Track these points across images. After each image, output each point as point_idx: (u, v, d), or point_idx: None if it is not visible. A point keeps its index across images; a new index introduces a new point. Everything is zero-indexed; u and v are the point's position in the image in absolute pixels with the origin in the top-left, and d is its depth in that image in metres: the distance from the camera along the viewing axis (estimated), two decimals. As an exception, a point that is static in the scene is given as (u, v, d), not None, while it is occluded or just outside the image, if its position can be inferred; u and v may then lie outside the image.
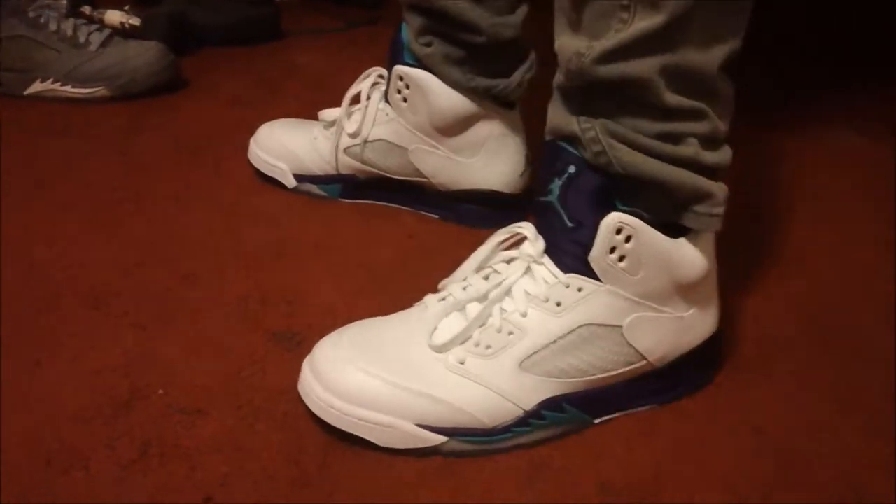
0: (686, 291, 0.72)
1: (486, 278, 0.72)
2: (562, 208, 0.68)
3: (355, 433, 0.68)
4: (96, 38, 1.32)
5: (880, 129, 1.29)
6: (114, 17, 1.47)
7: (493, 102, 0.95)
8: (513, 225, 0.74)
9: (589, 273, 0.69)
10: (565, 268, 0.69)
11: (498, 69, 0.93)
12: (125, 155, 1.14)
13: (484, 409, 0.69)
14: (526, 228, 0.72)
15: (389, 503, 0.65)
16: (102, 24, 1.39)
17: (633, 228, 0.67)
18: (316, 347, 0.72)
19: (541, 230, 0.71)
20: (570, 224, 0.68)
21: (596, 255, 0.68)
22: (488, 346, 0.69)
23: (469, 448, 0.69)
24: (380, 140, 0.99)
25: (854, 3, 1.76)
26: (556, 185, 0.69)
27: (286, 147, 1.06)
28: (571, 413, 0.71)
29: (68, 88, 1.29)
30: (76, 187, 1.05)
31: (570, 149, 0.68)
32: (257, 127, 1.11)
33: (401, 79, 0.95)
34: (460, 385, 0.68)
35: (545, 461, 0.69)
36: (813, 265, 0.96)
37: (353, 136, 1.00)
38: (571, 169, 0.68)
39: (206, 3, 1.56)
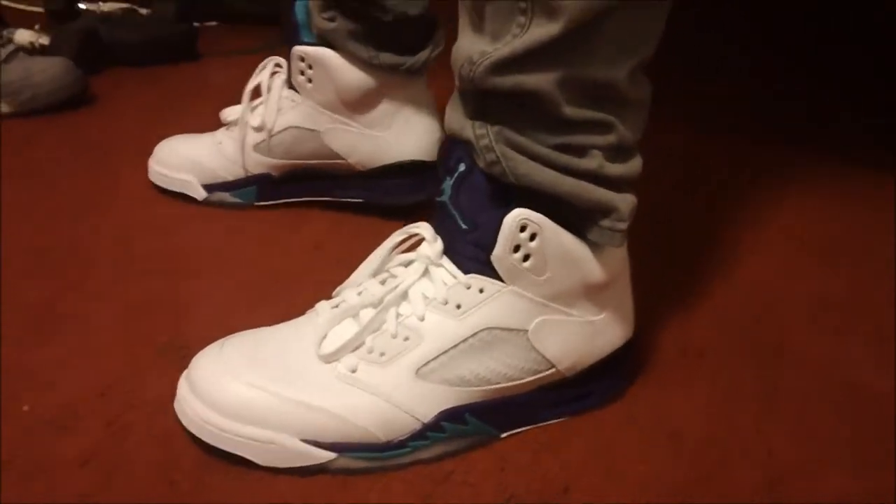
0: (596, 294, 0.67)
1: (383, 283, 0.66)
2: (455, 209, 0.64)
3: (235, 452, 0.62)
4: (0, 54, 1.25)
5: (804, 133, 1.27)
6: (24, 36, 1.40)
7: (400, 75, 0.91)
8: (410, 226, 0.68)
9: (491, 274, 0.63)
10: (464, 269, 0.64)
11: (404, 46, 0.90)
12: (18, 167, 1.07)
13: (377, 422, 0.62)
14: (423, 229, 0.67)
15: (269, 522, 0.58)
16: (19, 50, 1.33)
17: (538, 226, 0.62)
18: (194, 360, 0.65)
19: (438, 230, 0.66)
20: (464, 225, 0.63)
21: (499, 254, 0.62)
22: (382, 353, 0.63)
23: (361, 465, 0.63)
24: (289, 128, 0.94)
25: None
26: (448, 184, 0.64)
27: (189, 158, 1.00)
28: (475, 425, 0.65)
29: (-32, 104, 1.23)
30: (-40, 200, 0.98)
31: (462, 146, 0.63)
32: (161, 140, 1.05)
33: (302, 59, 0.91)
34: (351, 395, 0.62)
35: (446, 476, 0.63)
36: (736, 271, 0.92)
37: (260, 129, 0.95)
38: (462, 167, 0.63)
39: (119, 22, 1.51)
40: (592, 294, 0.67)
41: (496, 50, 0.58)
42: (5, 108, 1.22)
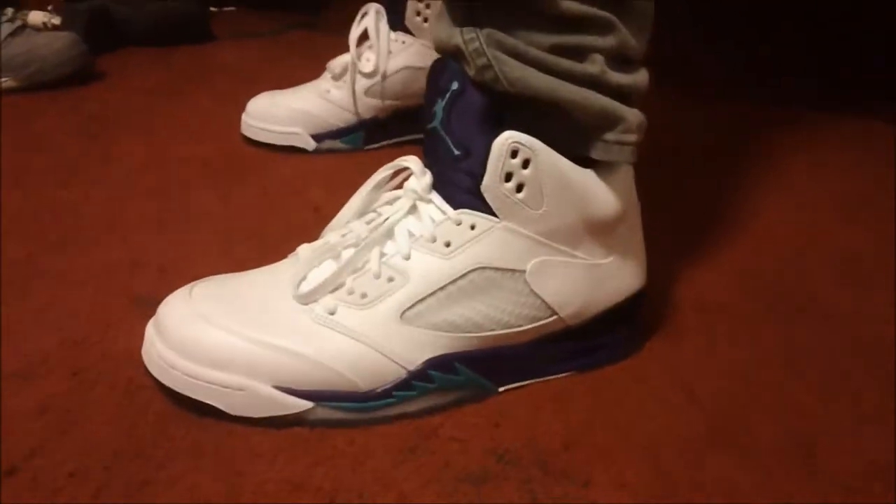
0: (602, 233, 0.61)
1: (369, 223, 0.61)
2: (447, 134, 0.58)
3: (205, 400, 0.56)
4: (5, 29, 1.23)
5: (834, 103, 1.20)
6: (36, 17, 1.38)
7: None
8: (397, 160, 0.63)
9: (483, 208, 0.58)
10: (455, 203, 0.58)
11: None
12: (16, 138, 1.04)
13: (358, 369, 0.57)
14: (411, 162, 0.61)
15: (234, 475, 0.53)
16: (26, 26, 1.31)
17: (531, 150, 0.56)
18: (162, 304, 0.60)
19: (428, 163, 0.61)
20: (456, 151, 0.58)
21: (489, 184, 0.57)
22: (364, 295, 0.58)
23: (341, 416, 0.57)
24: (402, 69, 0.98)
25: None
26: (440, 106, 0.58)
27: (296, 109, 1.01)
28: (467, 376, 0.59)
29: (-28, 79, 1.20)
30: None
31: (454, 64, 0.58)
32: (166, 115, 1.04)
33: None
34: (329, 339, 0.57)
35: (433, 430, 0.57)
36: (761, 230, 0.86)
37: (372, 74, 0.98)
38: (454, 86, 0.58)
39: (133, 2, 1.48)
40: (597, 233, 0.61)
41: None
42: (9, 83, 1.20)
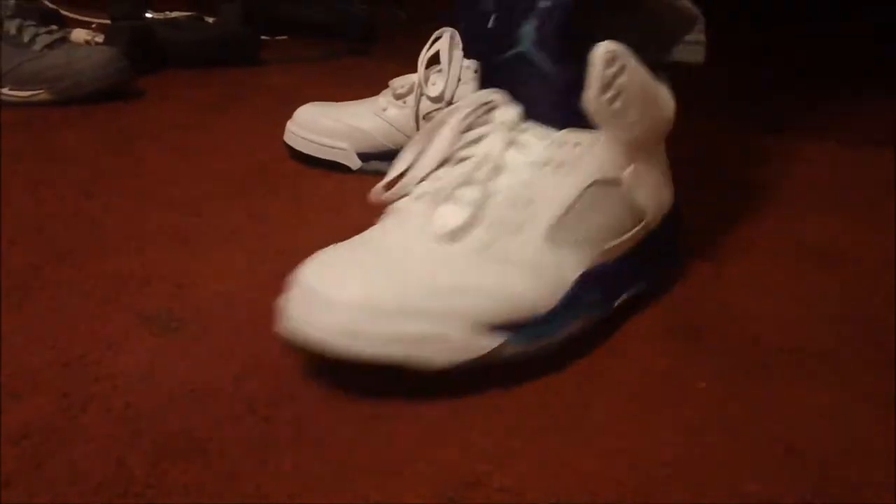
0: (659, 139, 0.64)
1: (457, 164, 0.58)
2: (539, 53, 0.56)
3: (395, 354, 0.51)
4: (43, 40, 1.18)
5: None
6: (79, 35, 1.35)
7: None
8: (468, 98, 0.59)
9: (581, 123, 0.58)
10: (555, 124, 0.58)
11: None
12: (41, 148, 0.97)
13: (531, 292, 0.55)
14: (492, 94, 0.58)
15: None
16: (66, 40, 1.26)
17: (625, 58, 0.56)
18: (303, 272, 0.54)
19: (513, 92, 0.58)
20: (551, 70, 0.57)
21: (592, 96, 0.56)
22: (509, 223, 0.56)
23: (529, 347, 0.55)
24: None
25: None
26: (528, 28, 0.56)
27: (349, 124, 0.94)
28: (595, 294, 0.59)
29: (6, 90, 1.15)
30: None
31: None
32: (204, 131, 0.97)
33: None
34: (496, 271, 0.55)
35: (478, 479, 0.48)
36: (851, 263, 0.75)
37: (437, 99, 0.91)
38: (544, 3, 0.56)
39: (178, 24, 1.43)
40: (661, 139, 0.64)
41: None
42: (43, 96, 1.14)
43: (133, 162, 0.94)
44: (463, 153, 0.58)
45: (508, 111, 0.58)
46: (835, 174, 0.98)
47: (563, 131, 0.57)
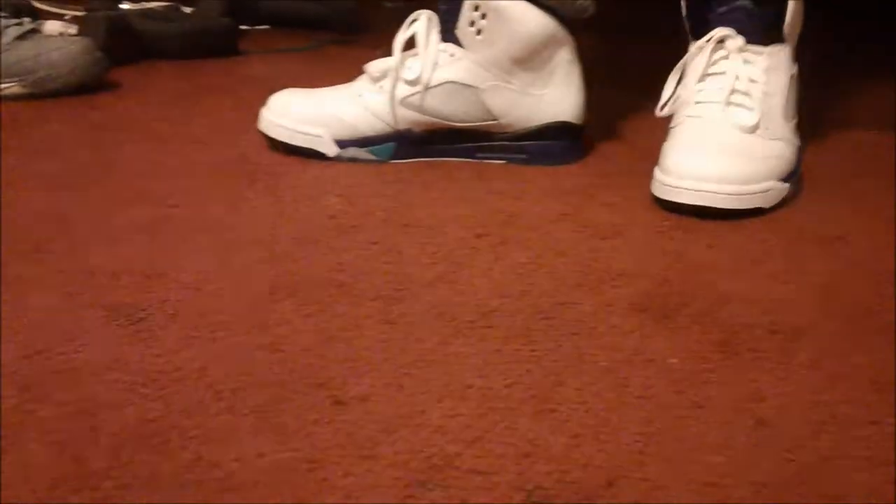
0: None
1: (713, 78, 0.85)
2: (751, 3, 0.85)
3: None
4: (13, 32, 1.15)
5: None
6: (53, 27, 1.31)
7: (566, 26, 0.90)
8: (709, 35, 0.85)
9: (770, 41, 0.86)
10: (760, 43, 0.85)
11: None
12: (13, 144, 0.96)
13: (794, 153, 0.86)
14: (722, 31, 0.84)
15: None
16: (38, 31, 1.24)
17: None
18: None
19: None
20: (758, 11, 0.85)
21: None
22: (775, 114, 0.84)
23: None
24: (446, 83, 0.89)
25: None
26: None
27: (324, 110, 0.91)
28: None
29: (-25, 85, 1.13)
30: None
31: None
32: (181, 122, 0.96)
33: (476, 9, 0.88)
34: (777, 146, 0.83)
35: (449, 460, 0.47)
36: (846, 249, 0.74)
37: (414, 83, 0.89)
38: None
39: (156, 14, 1.42)
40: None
41: None
42: (15, 89, 1.12)
43: (107, 155, 0.93)
44: (712, 69, 0.84)
45: (737, 40, 0.84)
46: (830, 160, 0.97)
47: (770, 47, 0.85)
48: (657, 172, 0.81)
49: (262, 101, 0.99)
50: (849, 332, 0.61)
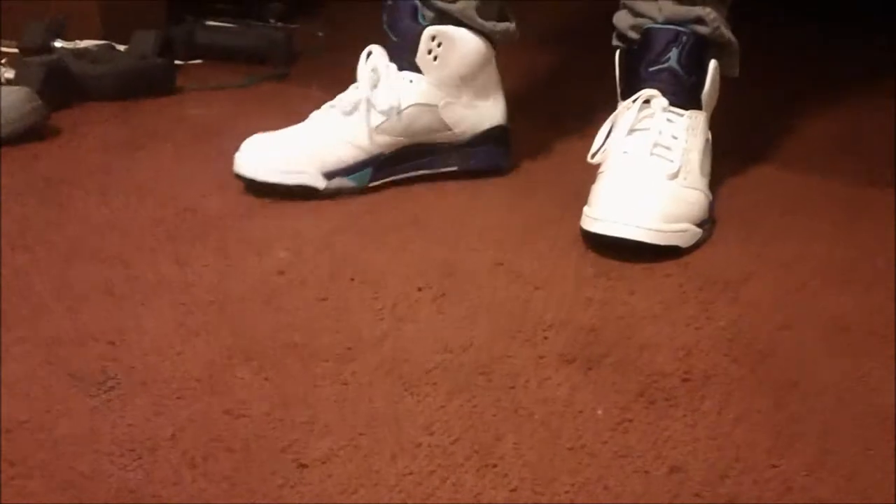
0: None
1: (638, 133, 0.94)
2: (679, 66, 0.96)
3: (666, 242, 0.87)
4: (-51, 82, 1.18)
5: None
6: (-10, 71, 1.34)
7: (494, 47, 1.06)
8: (637, 95, 0.95)
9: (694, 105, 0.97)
10: (682, 106, 0.96)
11: (501, 16, 1.07)
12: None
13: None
14: (650, 91, 0.95)
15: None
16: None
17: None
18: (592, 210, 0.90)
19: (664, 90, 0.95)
20: (684, 76, 0.96)
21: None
22: (693, 167, 0.94)
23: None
24: (411, 106, 1.02)
25: None
26: (674, 52, 0.95)
27: (307, 147, 1.00)
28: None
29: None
30: None
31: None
32: (126, 172, 1.02)
33: (433, 38, 1.01)
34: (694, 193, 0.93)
35: None
36: (748, 295, 0.82)
37: (388, 111, 1.00)
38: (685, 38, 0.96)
39: (92, 56, 1.44)
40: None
41: None
42: (-44, 141, 1.14)
43: (56, 210, 0.97)
44: (638, 126, 0.93)
45: (662, 101, 0.94)
46: (740, 201, 1.05)
47: (689, 111, 0.95)
48: (586, 209, 0.90)
49: (200, 146, 1.04)
50: (751, 376, 0.69)
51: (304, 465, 0.57)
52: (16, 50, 1.55)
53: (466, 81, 1.05)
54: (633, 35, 1.01)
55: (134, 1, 1.70)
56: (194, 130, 1.28)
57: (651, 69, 0.97)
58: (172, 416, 0.62)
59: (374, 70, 1.01)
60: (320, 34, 2.12)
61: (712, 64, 0.98)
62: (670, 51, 0.97)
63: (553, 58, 1.51)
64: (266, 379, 0.67)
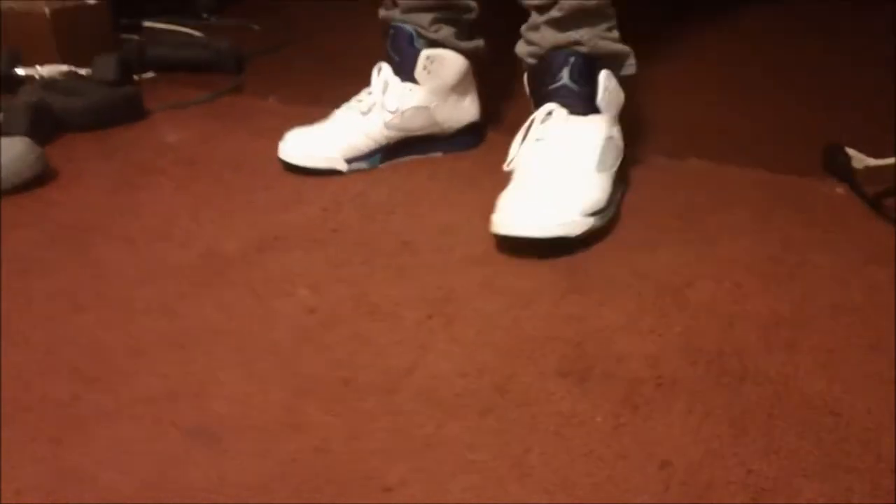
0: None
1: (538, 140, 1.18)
2: (572, 83, 1.19)
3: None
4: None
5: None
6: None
7: (474, 58, 1.40)
8: (540, 109, 1.19)
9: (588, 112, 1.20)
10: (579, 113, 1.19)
11: (474, 36, 1.41)
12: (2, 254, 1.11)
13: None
14: (551, 105, 1.18)
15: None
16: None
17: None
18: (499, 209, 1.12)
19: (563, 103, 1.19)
20: (577, 90, 1.19)
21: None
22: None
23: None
24: (411, 108, 1.37)
25: None
26: (565, 73, 1.19)
27: (335, 139, 1.35)
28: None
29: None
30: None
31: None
32: (136, 214, 1.18)
33: (428, 58, 1.35)
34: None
35: None
36: (696, 299, 1.02)
37: (395, 111, 1.35)
38: (574, 58, 1.20)
39: (63, 88, 1.54)
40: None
41: None
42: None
43: (90, 262, 1.09)
44: (541, 135, 1.16)
45: (562, 112, 1.16)
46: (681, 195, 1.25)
47: (588, 116, 1.18)
48: (493, 215, 1.11)
49: (190, 178, 1.19)
50: (707, 376, 0.89)
51: (388, 489, 0.74)
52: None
53: (452, 88, 1.39)
54: (531, 61, 1.25)
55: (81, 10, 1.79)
56: (180, 161, 1.40)
57: (550, 87, 1.20)
58: (275, 457, 0.78)
59: (385, 81, 1.35)
60: (255, 27, 2.23)
61: (602, 73, 1.20)
62: (562, 70, 1.19)
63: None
64: (333, 415, 0.83)
